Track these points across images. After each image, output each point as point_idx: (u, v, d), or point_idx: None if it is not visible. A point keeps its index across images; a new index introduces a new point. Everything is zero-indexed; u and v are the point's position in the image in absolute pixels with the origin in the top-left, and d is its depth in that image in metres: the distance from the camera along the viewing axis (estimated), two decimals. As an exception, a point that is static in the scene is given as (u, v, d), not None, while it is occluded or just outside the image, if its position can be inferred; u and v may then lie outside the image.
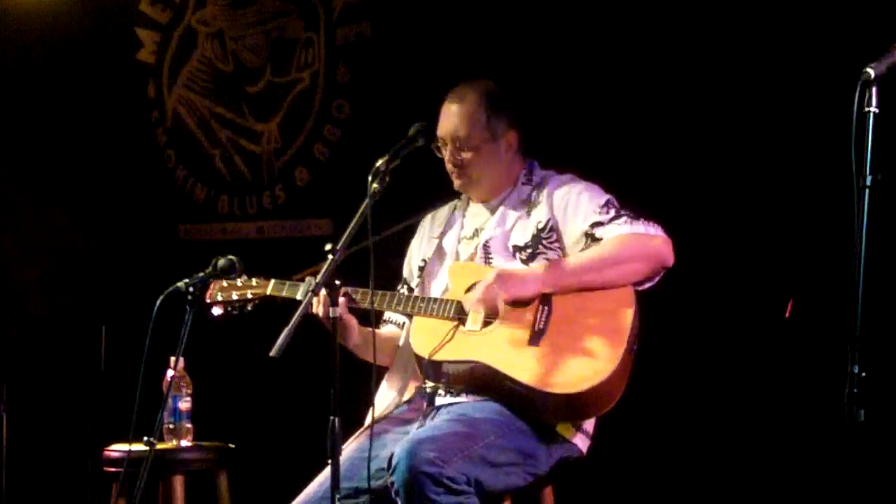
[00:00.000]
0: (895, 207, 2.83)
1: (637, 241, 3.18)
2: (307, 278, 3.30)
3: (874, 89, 2.47)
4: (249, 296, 3.46)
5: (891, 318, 3.44)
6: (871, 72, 2.47)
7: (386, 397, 3.39)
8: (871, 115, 2.47)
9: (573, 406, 3.11)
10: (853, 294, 2.46)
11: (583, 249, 3.24)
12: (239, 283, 3.46)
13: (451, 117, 3.35)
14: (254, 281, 3.46)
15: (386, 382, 3.43)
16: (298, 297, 3.35)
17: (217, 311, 3.49)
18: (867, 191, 2.47)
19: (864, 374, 2.44)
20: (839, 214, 2.76)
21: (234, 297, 3.47)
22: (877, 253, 2.48)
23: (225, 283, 3.47)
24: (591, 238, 3.23)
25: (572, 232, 3.26)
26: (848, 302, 2.47)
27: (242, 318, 3.51)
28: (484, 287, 3.18)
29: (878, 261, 2.50)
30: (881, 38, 2.60)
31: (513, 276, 3.19)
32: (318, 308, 3.16)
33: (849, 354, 2.45)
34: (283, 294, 3.41)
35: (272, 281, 3.45)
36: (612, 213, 3.22)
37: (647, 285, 3.23)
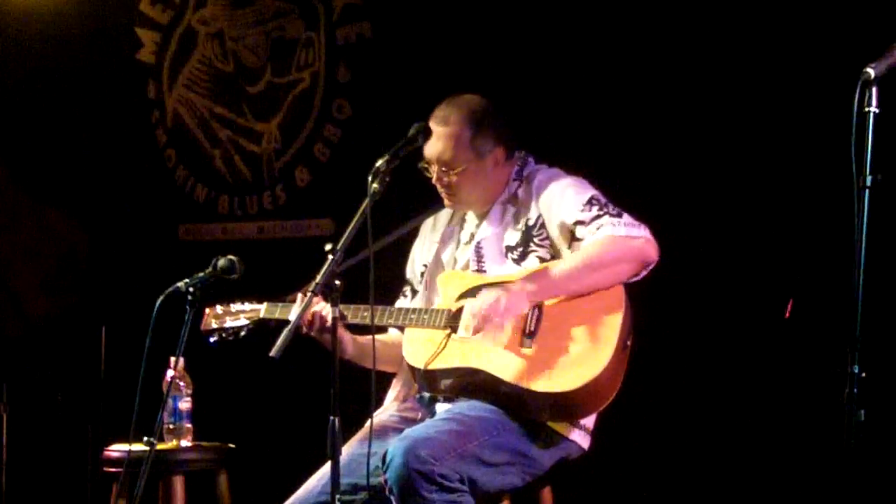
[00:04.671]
0: (895, 207, 2.83)
1: (618, 244, 3.14)
2: (299, 296, 3.29)
3: (874, 89, 2.47)
4: (243, 321, 3.47)
5: (891, 318, 3.44)
6: (871, 72, 2.47)
7: (391, 397, 3.41)
8: (871, 115, 2.47)
9: (565, 405, 3.10)
10: (853, 294, 2.46)
11: (568, 247, 3.23)
12: (233, 308, 3.48)
13: (435, 140, 3.27)
14: (246, 305, 3.47)
15: (395, 382, 3.44)
16: (291, 318, 3.33)
17: (213, 338, 3.50)
18: (867, 191, 2.47)
19: (864, 374, 2.44)
20: (839, 214, 2.76)
21: (228, 324, 3.48)
22: (877, 253, 2.48)
23: (219, 310, 3.49)
24: (573, 236, 3.21)
25: (556, 229, 3.24)
26: (848, 302, 2.47)
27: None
28: (480, 317, 3.11)
29: (878, 261, 2.50)
30: (881, 38, 2.60)
31: (500, 301, 3.10)
32: (308, 320, 3.19)
33: (849, 354, 2.45)
34: (276, 316, 3.41)
35: (265, 304, 3.45)
36: (595, 210, 3.19)
37: (633, 279, 3.20)
